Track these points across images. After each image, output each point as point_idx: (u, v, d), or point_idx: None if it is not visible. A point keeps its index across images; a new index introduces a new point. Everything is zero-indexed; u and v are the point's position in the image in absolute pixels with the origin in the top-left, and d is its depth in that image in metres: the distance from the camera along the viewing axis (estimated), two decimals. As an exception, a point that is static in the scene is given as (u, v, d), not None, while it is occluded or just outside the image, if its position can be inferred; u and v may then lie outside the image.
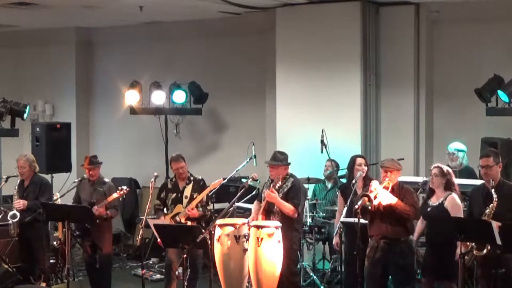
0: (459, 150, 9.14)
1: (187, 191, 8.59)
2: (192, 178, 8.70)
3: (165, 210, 8.71)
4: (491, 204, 6.84)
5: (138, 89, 11.50)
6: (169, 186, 8.74)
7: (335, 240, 8.46)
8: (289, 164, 8.21)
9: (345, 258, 8.48)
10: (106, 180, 9.03)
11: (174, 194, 8.64)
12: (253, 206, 8.47)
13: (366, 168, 8.32)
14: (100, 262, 8.90)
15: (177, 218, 8.45)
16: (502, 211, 6.90)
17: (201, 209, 8.44)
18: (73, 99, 13.33)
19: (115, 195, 8.62)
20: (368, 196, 7.04)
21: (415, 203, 7.21)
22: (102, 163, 9.04)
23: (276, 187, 7.93)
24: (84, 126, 13.43)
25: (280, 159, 8.17)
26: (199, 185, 8.65)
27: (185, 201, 8.55)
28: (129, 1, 10.03)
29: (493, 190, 6.88)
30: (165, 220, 8.48)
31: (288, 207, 7.93)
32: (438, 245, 7.22)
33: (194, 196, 8.53)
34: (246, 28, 11.65)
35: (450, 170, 7.49)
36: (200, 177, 8.75)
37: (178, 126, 12.49)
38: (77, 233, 9.15)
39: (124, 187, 8.70)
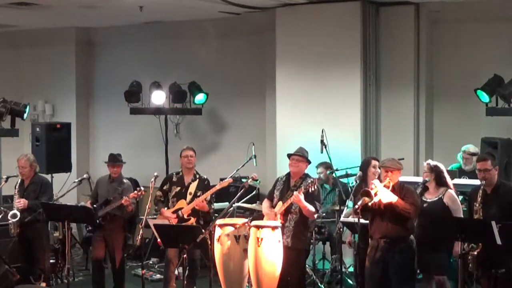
0: (474, 154, 9.14)
1: (192, 188, 8.64)
2: (198, 176, 8.76)
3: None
4: (478, 199, 7.00)
5: (138, 89, 11.52)
6: (174, 179, 8.77)
7: (348, 238, 8.57)
8: (310, 162, 8.16)
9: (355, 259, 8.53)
10: (125, 180, 9.04)
11: (179, 188, 8.68)
12: (263, 203, 8.36)
13: (379, 170, 8.21)
14: (112, 262, 8.94)
15: (180, 213, 8.50)
16: (498, 212, 6.92)
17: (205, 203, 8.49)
18: (73, 99, 13.34)
19: (132, 195, 8.64)
20: (369, 192, 7.03)
21: (415, 202, 7.20)
22: (125, 162, 9.05)
23: (311, 189, 7.75)
24: (84, 126, 13.44)
25: (305, 155, 8.08)
26: (204, 184, 8.71)
27: (189, 197, 8.59)
28: (129, 1, 10.02)
29: (481, 189, 7.03)
30: (166, 214, 8.52)
31: (311, 209, 7.82)
32: (433, 240, 7.24)
33: (198, 194, 8.57)
34: (246, 28, 11.65)
35: (441, 166, 7.52)
36: (205, 177, 8.82)
37: (178, 126, 12.49)
38: (89, 228, 9.12)
39: (142, 188, 8.72)
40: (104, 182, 9.03)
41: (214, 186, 8.71)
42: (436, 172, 7.45)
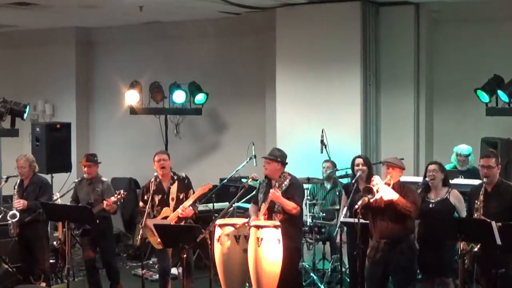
0: (469, 154, 9.15)
1: (173, 192, 8.41)
2: (175, 177, 8.49)
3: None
4: (480, 197, 6.99)
5: (138, 89, 11.53)
6: (153, 187, 8.36)
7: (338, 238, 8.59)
8: (285, 163, 8.09)
9: (348, 259, 8.53)
10: (104, 179, 8.99)
11: (160, 196, 8.43)
12: (250, 208, 8.38)
13: (365, 168, 8.30)
14: (104, 260, 8.97)
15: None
16: (498, 210, 6.93)
17: (191, 207, 8.38)
18: (73, 99, 13.34)
19: (113, 199, 8.60)
20: (371, 189, 7.02)
21: (416, 200, 7.19)
22: (100, 162, 9.02)
23: (282, 187, 7.80)
24: (84, 126, 13.44)
25: (276, 155, 8.04)
26: (184, 184, 8.46)
27: (171, 203, 8.37)
28: (129, 1, 10.03)
29: (483, 187, 7.03)
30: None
31: (291, 205, 7.81)
32: (438, 241, 7.24)
33: (181, 197, 8.38)
34: (246, 28, 11.66)
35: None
36: (183, 175, 8.54)
37: (178, 126, 12.49)
38: (77, 232, 9.13)
39: (122, 191, 8.67)
40: (83, 185, 8.98)
41: (198, 190, 8.42)
42: (445, 172, 7.52)
